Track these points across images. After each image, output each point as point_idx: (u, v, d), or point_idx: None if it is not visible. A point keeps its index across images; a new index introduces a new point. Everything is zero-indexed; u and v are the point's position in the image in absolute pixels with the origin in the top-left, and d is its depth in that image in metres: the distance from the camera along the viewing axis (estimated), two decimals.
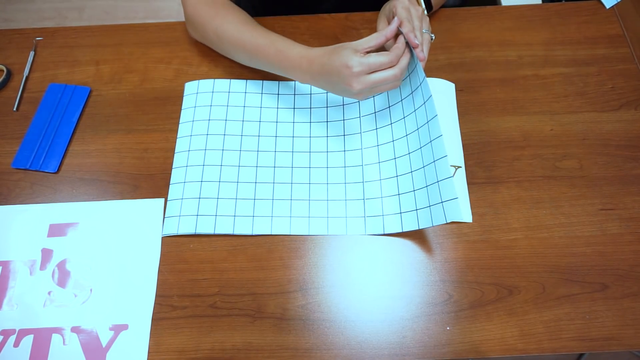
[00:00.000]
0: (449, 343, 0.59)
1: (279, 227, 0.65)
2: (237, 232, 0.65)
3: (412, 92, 0.65)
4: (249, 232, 0.65)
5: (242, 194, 0.67)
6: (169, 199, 0.68)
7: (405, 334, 0.59)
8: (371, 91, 0.61)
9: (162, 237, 0.65)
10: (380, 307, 0.61)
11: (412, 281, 0.62)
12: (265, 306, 0.61)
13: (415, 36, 0.60)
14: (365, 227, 0.65)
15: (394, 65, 0.59)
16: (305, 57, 0.63)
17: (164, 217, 0.67)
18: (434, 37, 0.64)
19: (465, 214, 0.65)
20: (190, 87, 0.76)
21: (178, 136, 0.72)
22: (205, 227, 0.65)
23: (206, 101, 0.74)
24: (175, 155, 0.71)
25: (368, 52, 0.60)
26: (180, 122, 0.74)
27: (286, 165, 0.69)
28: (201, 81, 0.76)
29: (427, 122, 0.61)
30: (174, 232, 0.65)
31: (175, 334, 0.60)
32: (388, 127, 0.69)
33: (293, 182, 0.68)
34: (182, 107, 0.75)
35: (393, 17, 0.63)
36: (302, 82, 0.67)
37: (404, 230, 0.63)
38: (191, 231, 0.65)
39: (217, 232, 0.65)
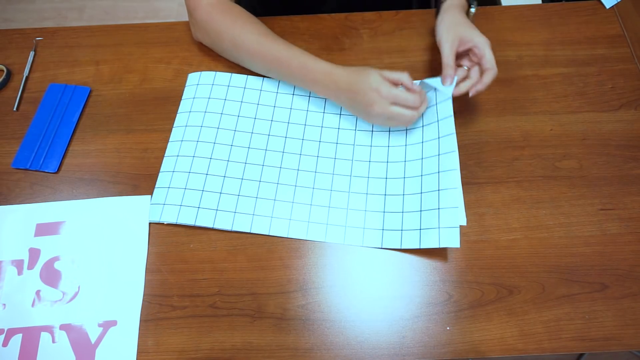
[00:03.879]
0: (449, 343, 0.59)
1: (259, 227, 0.65)
2: (217, 227, 0.65)
3: (422, 126, 0.69)
4: (228, 228, 0.65)
5: (227, 189, 0.67)
6: (156, 186, 0.68)
7: (405, 334, 0.59)
8: (383, 121, 0.66)
9: (161, 238, 0.65)
10: (380, 307, 0.61)
11: (412, 281, 0.62)
12: (265, 306, 0.61)
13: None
14: (363, 239, 0.64)
15: (416, 109, 0.64)
16: (330, 73, 0.66)
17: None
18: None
19: (460, 219, 0.64)
20: (192, 78, 0.77)
21: (174, 125, 0.72)
22: (187, 218, 0.65)
23: (205, 93, 0.74)
24: (168, 144, 0.71)
25: (392, 83, 0.64)
26: (178, 112, 0.74)
27: (275, 165, 0.69)
28: (203, 73, 0.76)
29: (439, 154, 0.64)
30: (156, 219, 0.65)
31: (175, 334, 0.60)
32: (385, 148, 0.70)
33: (279, 182, 0.68)
34: (182, 98, 0.75)
35: (472, 49, 0.67)
36: (321, 96, 0.70)
37: (383, 246, 0.64)
38: (172, 220, 0.65)
39: (198, 224, 0.65)
